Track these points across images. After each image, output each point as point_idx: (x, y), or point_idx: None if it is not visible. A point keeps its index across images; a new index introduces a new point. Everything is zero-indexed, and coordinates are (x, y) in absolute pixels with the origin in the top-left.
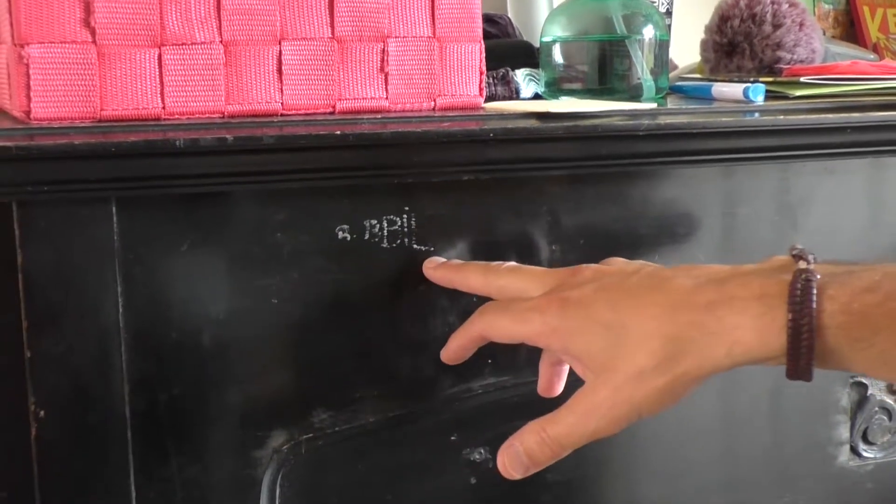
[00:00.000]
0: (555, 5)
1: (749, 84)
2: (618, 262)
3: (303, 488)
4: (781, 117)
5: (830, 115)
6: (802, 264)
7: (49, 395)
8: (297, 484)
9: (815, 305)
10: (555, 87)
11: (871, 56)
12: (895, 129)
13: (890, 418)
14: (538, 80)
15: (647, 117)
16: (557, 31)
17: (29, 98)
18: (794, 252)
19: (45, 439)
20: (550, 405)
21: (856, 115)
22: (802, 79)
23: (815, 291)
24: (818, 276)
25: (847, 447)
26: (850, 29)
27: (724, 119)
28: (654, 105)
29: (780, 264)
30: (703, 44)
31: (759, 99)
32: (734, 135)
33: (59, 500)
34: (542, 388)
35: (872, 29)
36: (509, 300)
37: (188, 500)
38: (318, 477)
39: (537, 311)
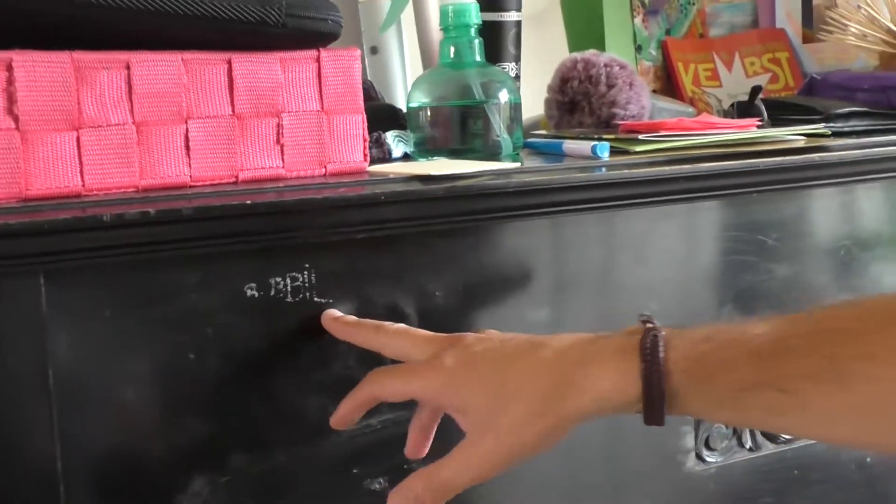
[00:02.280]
0: (408, 70)
1: (596, 142)
2: (494, 333)
3: None
4: (626, 171)
5: (666, 168)
6: (650, 325)
7: None
8: None
9: (661, 354)
10: (423, 148)
11: (690, 110)
12: (718, 177)
13: (726, 426)
14: (406, 141)
15: (513, 175)
16: (422, 97)
17: None
18: (642, 318)
19: None
20: (442, 438)
21: (686, 167)
22: (640, 136)
23: (661, 344)
24: (663, 332)
25: (693, 454)
26: (667, 83)
27: (577, 175)
28: (517, 164)
29: (633, 329)
30: (547, 102)
31: (605, 155)
32: (587, 188)
33: None
34: (409, 450)
35: (687, 83)
36: (397, 365)
37: None
38: None
39: (427, 369)
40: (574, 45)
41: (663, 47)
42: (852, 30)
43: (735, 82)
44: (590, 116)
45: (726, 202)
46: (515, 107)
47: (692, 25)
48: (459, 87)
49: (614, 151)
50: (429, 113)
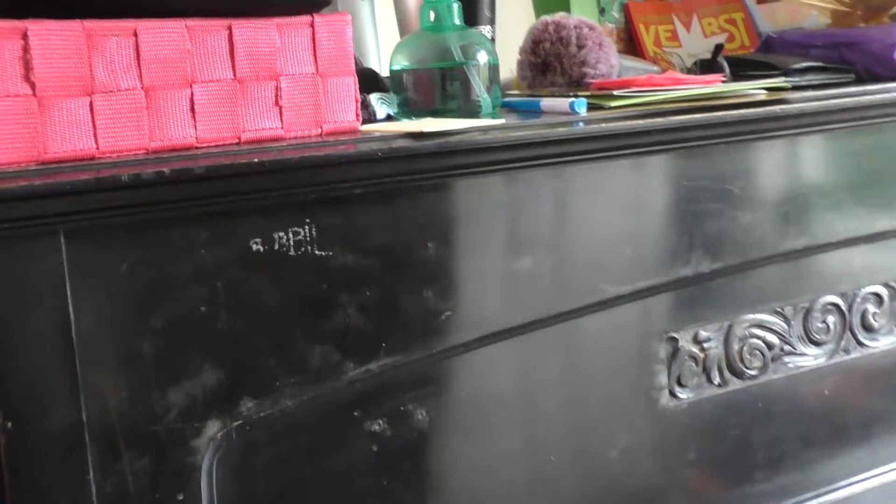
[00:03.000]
0: (380, 36)
1: (573, 99)
2: None
3: (235, 470)
4: (613, 124)
5: (640, 121)
6: None
7: (15, 406)
8: (230, 467)
9: None
10: (406, 109)
11: (656, 68)
12: (690, 129)
13: (696, 364)
14: (389, 102)
15: (501, 131)
16: (405, 60)
17: None
18: None
19: (14, 446)
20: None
21: (659, 120)
22: (615, 92)
23: None
24: None
25: (666, 391)
26: (630, 44)
27: (559, 130)
28: (501, 121)
29: None
30: (520, 63)
31: (583, 111)
32: (576, 141)
33: (29, 497)
34: None
35: (649, 43)
36: None
37: (139, 488)
38: (247, 458)
39: None
40: (540, 8)
41: (625, 9)
42: None
43: (694, 42)
44: (561, 76)
45: (696, 153)
46: (494, 68)
47: None
48: (440, 50)
49: (590, 107)
50: (411, 75)
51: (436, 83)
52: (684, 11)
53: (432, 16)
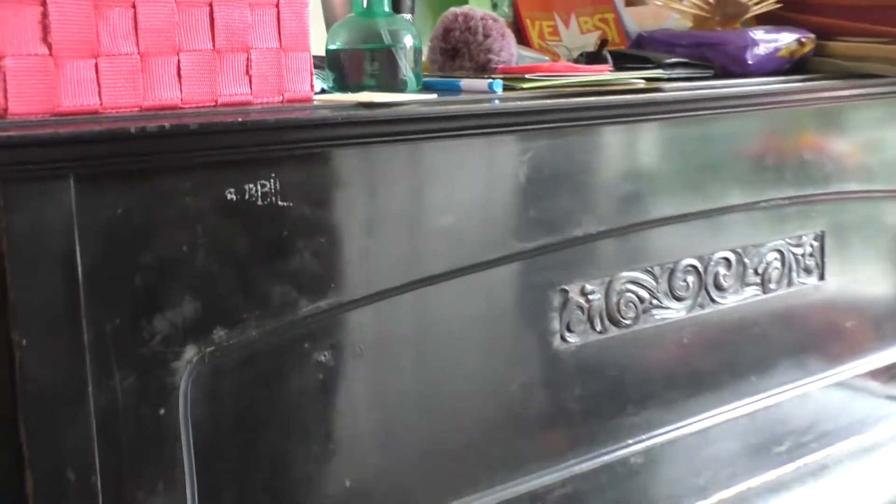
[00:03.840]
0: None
1: (491, 80)
2: None
3: (206, 390)
4: (520, 102)
5: (548, 101)
6: None
7: (28, 327)
8: (202, 387)
9: None
10: (340, 84)
11: (547, 58)
12: (591, 109)
13: (583, 313)
14: (325, 78)
15: (436, 105)
16: (340, 42)
17: (6, 98)
18: None
19: (27, 362)
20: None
21: (562, 101)
22: (526, 76)
23: None
24: None
25: (558, 335)
26: (518, 36)
27: (483, 105)
28: (434, 96)
29: None
30: (431, 49)
31: (500, 90)
32: (500, 114)
33: (38, 406)
34: None
35: (534, 37)
36: None
37: (128, 403)
38: (217, 380)
39: None
40: (438, 2)
41: (514, 6)
42: None
43: (572, 38)
44: (469, 62)
45: (589, 130)
46: (418, 51)
47: None
48: (371, 33)
49: (504, 88)
50: (345, 55)
51: (367, 62)
52: (564, 10)
53: (364, 2)
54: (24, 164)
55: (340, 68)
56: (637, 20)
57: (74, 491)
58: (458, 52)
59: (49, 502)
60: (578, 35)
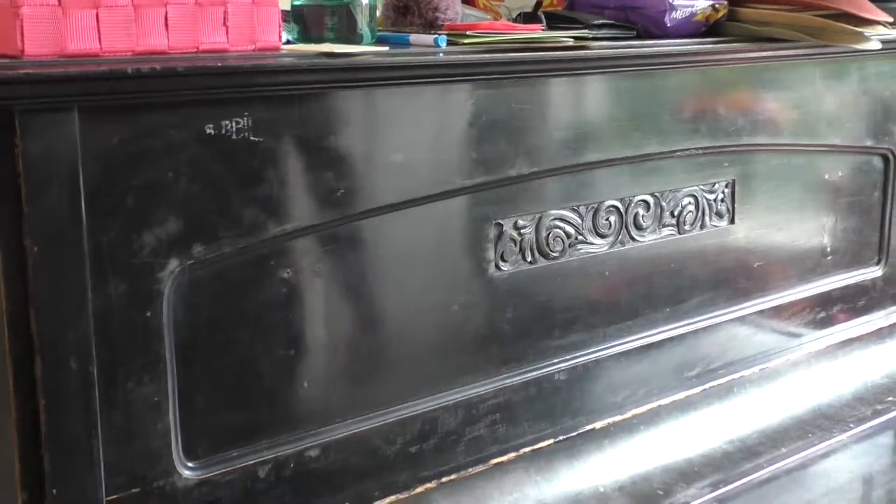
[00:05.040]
0: None
1: (437, 35)
2: None
3: (186, 298)
4: (462, 56)
5: (487, 56)
6: None
7: (39, 236)
8: (182, 295)
9: None
10: (303, 36)
11: (489, 17)
12: (524, 63)
13: (515, 245)
14: (290, 30)
15: (392, 56)
16: None
17: (23, 41)
18: None
19: (38, 265)
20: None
21: (498, 55)
22: (468, 32)
23: None
24: None
25: (493, 264)
26: None
27: (430, 57)
28: (386, 48)
29: None
30: (385, 6)
31: (444, 45)
32: (440, 66)
33: (46, 303)
34: None
35: None
36: None
37: (120, 305)
38: (195, 290)
39: None
40: None
41: None
42: None
43: None
44: (418, 18)
45: (524, 82)
46: (372, 7)
47: None
48: None
49: (449, 43)
50: (309, 10)
51: (328, 17)
52: None
53: None
54: (38, 98)
55: (303, 22)
56: None
57: (76, 377)
58: (408, 9)
59: (55, 386)
60: None
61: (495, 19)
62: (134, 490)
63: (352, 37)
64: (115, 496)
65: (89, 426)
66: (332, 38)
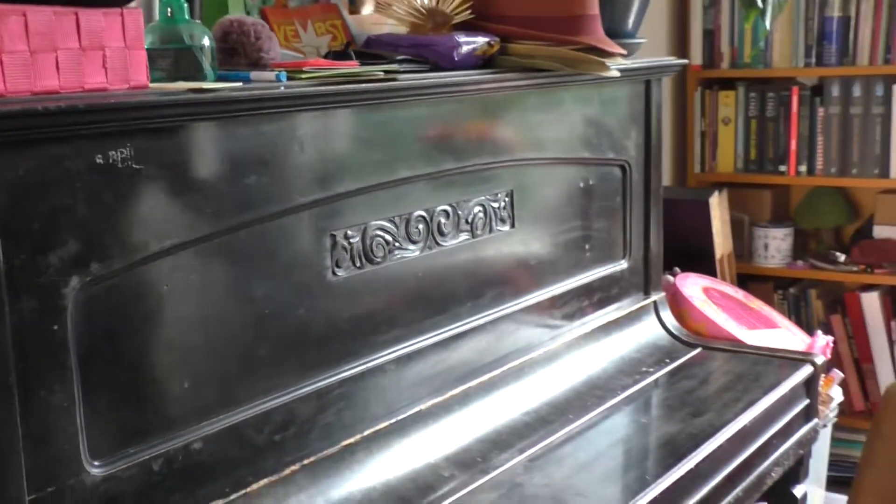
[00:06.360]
0: None
1: (278, 71)
2: None
3: (85, 311)
4: (312, 88)
5: (323, 87)
6: None
7: None
8: (81, 309)
9: None
10: (156, 76)
11: (302, 56)
12: (345, 95)
13: (346, 252)
14: None
15: (245, 90)
16: (151, 41)
17: None
18: None
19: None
20: (198, 255)
21: (332, 87)
22: (305, 69)
23: None
24: None
25: (331, 270)
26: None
27: (293, 90)
28: (240, 84)
29: None
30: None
31: (284, 79)
32: (301, 97)
33: None
34: None
35: (281, 38)
36: None
37: (32, 320)
38: (92, 304)
39: None
40: (207, 10)
41: (262, 13)
42: (394, 7)
43: (310, 40)
44: (245, 58)
45: (342, 110)
46: (212, 49)
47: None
48: (176, 35)
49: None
50: (158, 53)
51: (176, 59)
52: (301, 17)
53: (169, 11)
54: None
55: (153, 64)
56: (359, 25)
57: None
58: (235, 51)
59: None
60: (314, 38)
61: (305, 58)
62: (50, 489)
63: (197, 76)
64: (34, 496)
65: (12, 433)
66: (180, 79)
